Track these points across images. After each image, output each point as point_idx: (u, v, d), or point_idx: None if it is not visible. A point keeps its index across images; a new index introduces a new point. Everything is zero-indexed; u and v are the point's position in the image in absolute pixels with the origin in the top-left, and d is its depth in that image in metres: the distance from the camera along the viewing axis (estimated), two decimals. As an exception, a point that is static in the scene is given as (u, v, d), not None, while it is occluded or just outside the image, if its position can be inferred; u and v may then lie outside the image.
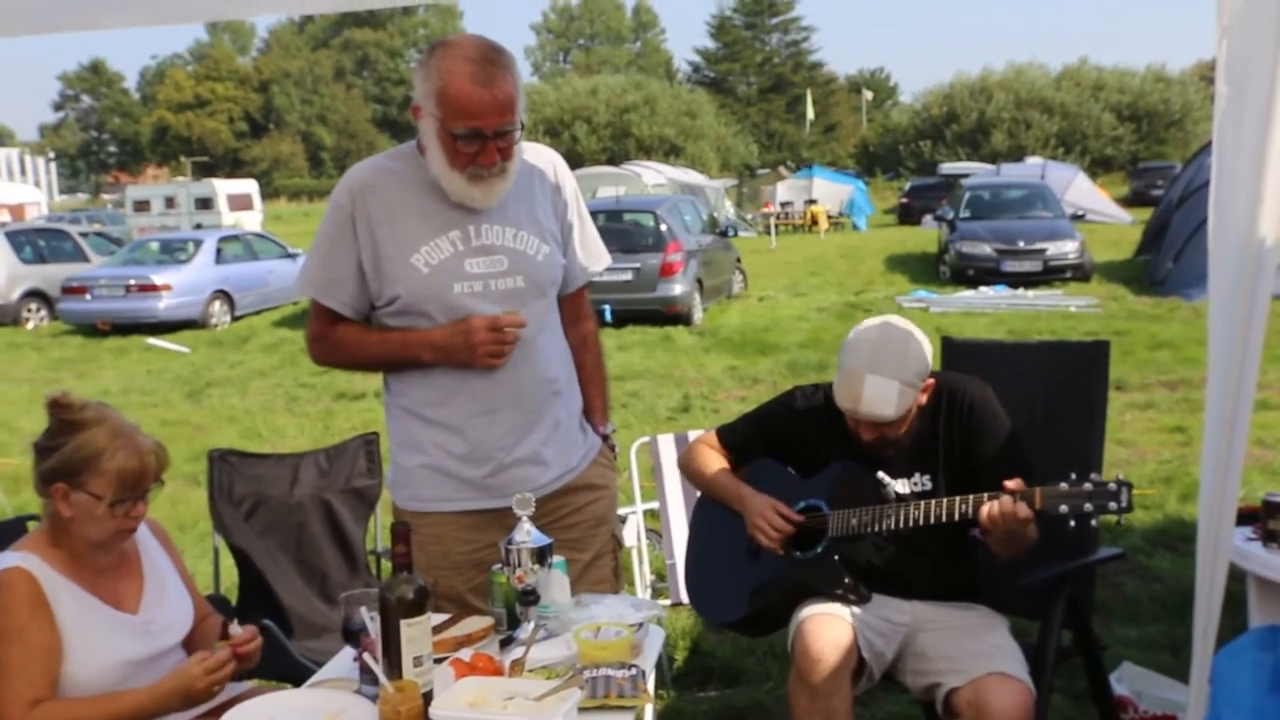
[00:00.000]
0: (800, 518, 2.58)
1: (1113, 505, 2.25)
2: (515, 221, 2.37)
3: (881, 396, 2.41)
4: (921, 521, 2.43)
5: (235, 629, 2.14)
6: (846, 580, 2.53)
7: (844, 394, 2.46)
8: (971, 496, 2.38)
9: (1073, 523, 2.28)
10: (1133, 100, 48.39)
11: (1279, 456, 6.26)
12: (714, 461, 2.79)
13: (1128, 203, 28.57)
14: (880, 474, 2.57)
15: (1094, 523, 2.33)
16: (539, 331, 2.39)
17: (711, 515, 2.84)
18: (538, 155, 2.49)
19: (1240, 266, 2.13)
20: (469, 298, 2.31)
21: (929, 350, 2.50)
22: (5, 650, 2.00)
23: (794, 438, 2.70)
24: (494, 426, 2.36)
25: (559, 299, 2.52)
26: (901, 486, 2.57)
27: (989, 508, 2.33)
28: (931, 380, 2.52)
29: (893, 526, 2.47)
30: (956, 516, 2.40)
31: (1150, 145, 47.27)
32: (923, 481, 2.56)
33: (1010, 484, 2.34)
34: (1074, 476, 2.29)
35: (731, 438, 2.81)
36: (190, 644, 2.28)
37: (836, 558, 2.54)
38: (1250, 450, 6.23)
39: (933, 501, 2.44)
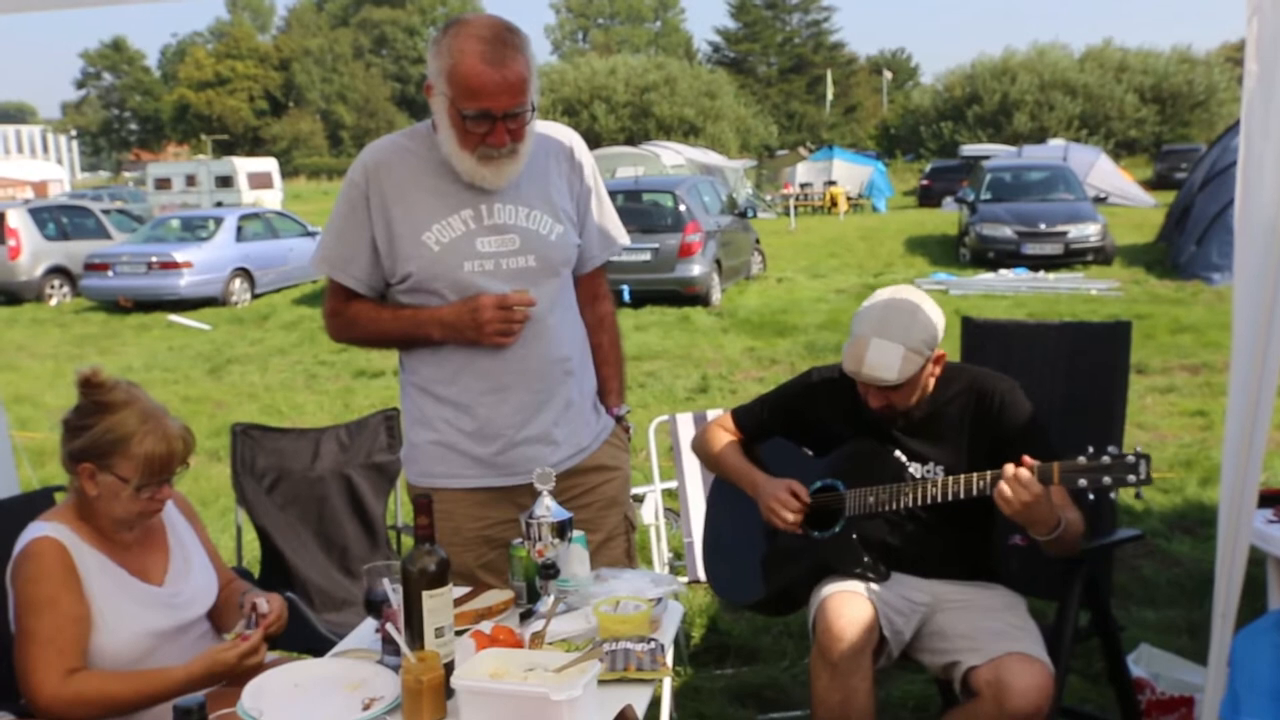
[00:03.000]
0: (808, 500, 2.58)
1: (1131, 477, 2.23)
2: (528, 201, 2.37)
3: (884, 361, 2.41)
4: (939, 498, 2.43)
5: (263, 606, 2.17)
6: (865, 559, 2.53)
7: (849, 356, 2.47)
8: (989, 472, 2.37)
9: (1092, 496, 2.27)
10: (1157, 82, 47.88)
11: (1301, 441, 6.22)
12: (728, 444, 2.79)
13: (1152, 185, 28.26)
14: (896, 452, 2.57)
15: (1113, 496, 2.30)
16: (550, 311, 2.39)
17: (729, 496, 2.85)
18: (556, 134, 2.49)
19: (1266, 248, 2.12)
20: (479, 276, 2.31)
21: (939, 321, 2.50)
22: (37, 619, 2.03)
23: (810, 417, 2.70)
24: (502, 405, 2.36)
25: (576, 279, 2.52)
26: (915, 470, 2.56)
27: (1000, 488, 2.31)
28: (942, 352, 2.52)
29: (910, 503, 2.47)
30: (975, 492, 2.39)
31: (1174, 127, 46.79)
32: (936, 471, 2.54)
33: (1027, 460, 2.32)
34: (1091, 450, 2.27)
35: (746, 419, 2.81)
36: (215, 614, 2.31)
37: (855, 536, 2.55)
38: (1274, 434, 6.18)
39: (949, 478, 2.44)
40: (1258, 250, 2.12)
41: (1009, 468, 2.31)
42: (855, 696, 2.38)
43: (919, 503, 2.47)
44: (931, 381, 2.55)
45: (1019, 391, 2.56)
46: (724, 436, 2.81)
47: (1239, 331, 2.24)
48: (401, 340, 2.43)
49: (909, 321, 2.44)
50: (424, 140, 2.36)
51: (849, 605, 2.42)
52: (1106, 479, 2.24)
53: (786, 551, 2.65)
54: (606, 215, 2.57)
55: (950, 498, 2.43)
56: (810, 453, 2.73)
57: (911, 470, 2.56)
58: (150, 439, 2.10)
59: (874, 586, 2.50)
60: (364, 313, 2.42)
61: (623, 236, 2.62)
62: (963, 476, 2.42)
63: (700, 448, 2.88)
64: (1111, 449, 2.26)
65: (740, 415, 2.83)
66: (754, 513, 2.70)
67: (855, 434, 2.62)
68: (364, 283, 2.39)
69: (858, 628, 2.38)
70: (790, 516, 2.57)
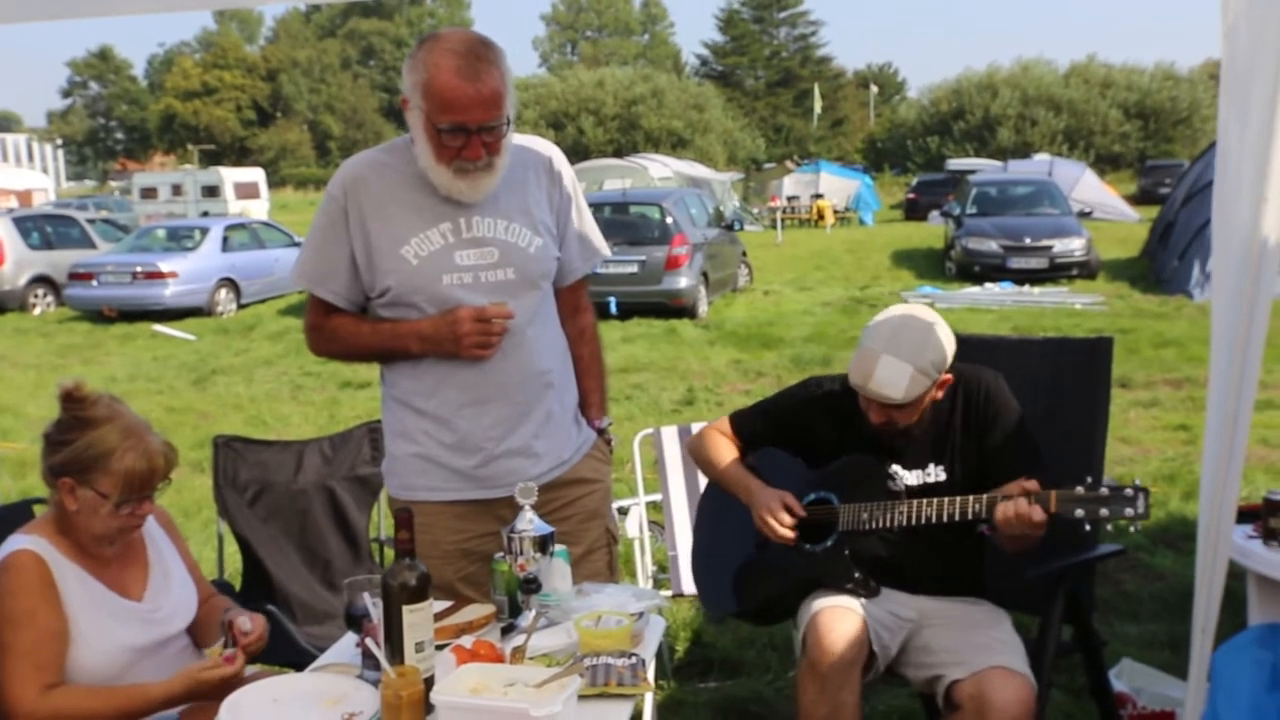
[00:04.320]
0: (803, 513, 2.57)
1: (1129, 511, 2.24)
2: (507, 214, 2.37)
3: (892, 379, 2.40)
4: (934, 519, 2.43)
5: (245, 625, 2.15)
6: (857, 575, 2.53)
7: (856, 370, 2.45)
8: (985, 496, 2.38)
9: (1088, 526, 2.28)
10: (1140, 98, 48.23)
11: (1282, 456, 6.26)
12: (724, 450, 2.76)
13: (1136, 200, 28.43)
14: (893, 466, 2.57)
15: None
16: (530, 323, 2.39)
17: (721, 503, 2.83)
18: (535, 147, 2.49)
19: (1243, 265, 2.14)
20: (458, 289, 2.31)
21: (950, 345, 2.48)
22: (15, 634, 2.01)
23: (808, 428, 2.68)
24: (482, 417, 2.36)
25: (557, 291, 2.52)
26: (914, 478, 2.56)
27: (1003, 508, 2.32)
28: (949, 376, 2.50)
29: (905, 522, 2.47)
30: (970, 515, 2.39)
31: (1158, 143, 47.13)
32: (936, 472, 2.55)
33: (1027, 484, 2.32)
34: (1090, 480, 2.27)
35: (744, 426, 2.78)
36: (195, 629, 2.30)
37: (847, 552, 2.55)
38: (1254, 449, 6.23)
39: (945, 499, 2.43)
40: (1234, 267, 2.14)
41: (1010, 505, 2.31)
42: (843, 711, 2.38)
43: (913, 522, 2.46)
44: (931, 402, 2.54)
45: (1001, 381, 2.58)
46: (721, 442, 2.78)
47: (1217, 347, 2.25)
48: (381, 354, 2.43)
49: (922, 342, 2.42)
50: (402, 154, 2.36)
51: (840, 620, 2.42)
52: (1104, 511, 2.25)
53: (776, 562, 2.65)
54: (587, 227, 2.57)
55: (945, 519, 2.43)
56: (804, 463, 2.72)
57: (910, 479, 2.55)
58: (131, 455, 2.08)
59: (863, 601, 2.50)
60: (344, 327, 2.42)
61: (604, 249, 2.62)
62: (959, 499, 2.41)
63: (696, 451, 2.85)
64: (1109, 481, 2.29)
65: (737, 421, 2.80)
66: (745, 521, 2.68)
67: (851, 447, 2.60)
68: (343, 297, 2.39)
69: (848, 642, 2.38)
70: (784, 531, 2.57)
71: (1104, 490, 2.26)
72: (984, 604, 2.60)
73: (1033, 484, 2.33)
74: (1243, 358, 2.16)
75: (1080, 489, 2.27)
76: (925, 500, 2.45)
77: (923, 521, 2.45)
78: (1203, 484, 2.37)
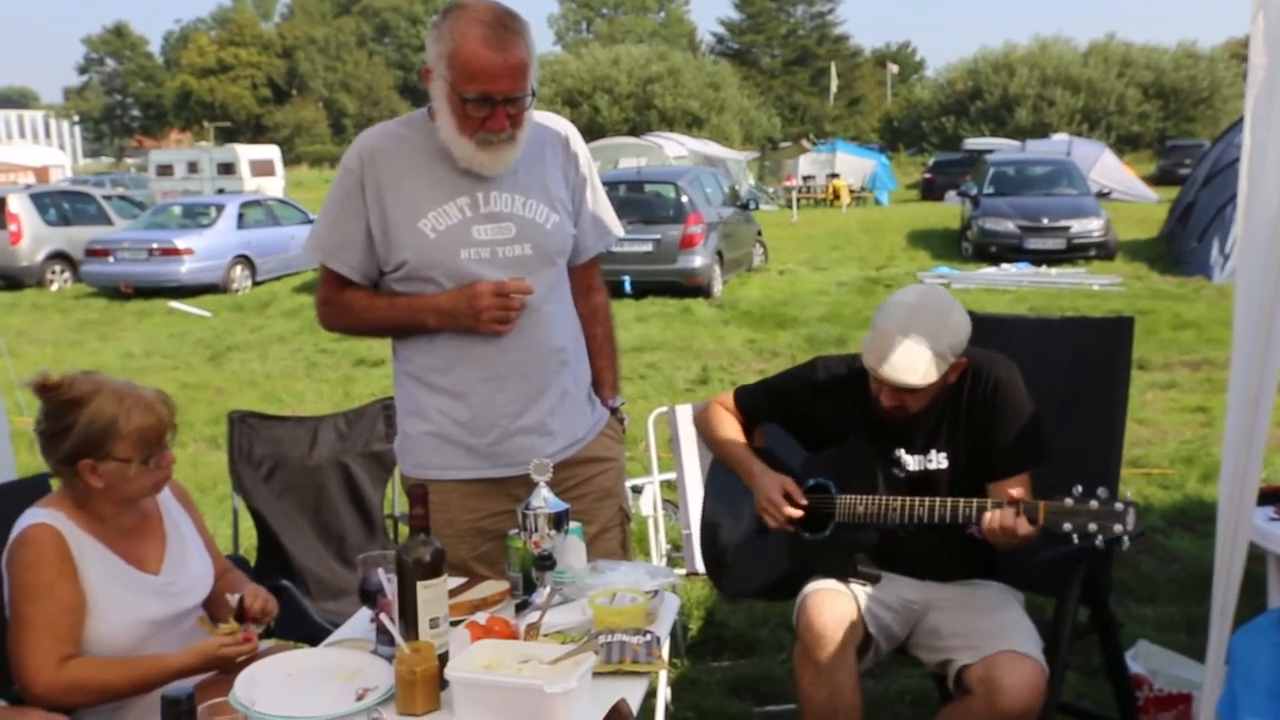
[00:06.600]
0: (805, 502, 2.55)
1: (1118, 527, 2.19)
2: (525, 189, 2.36)
3: (909, 362, 2.33)
4: (925, 520, 2.40)
5: (232, 598, 2.17)
6: (856, 567, 2.51)
7: (871, 352, 2.38)
8: (975, 501, 2.35)
9: (1076, 539, 2.23)
10: (1160, 77, 47.74)
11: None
12: (730, 427, 2.73)
13: (1155, 181, 28.20)
14: (896, 451, 2.53)
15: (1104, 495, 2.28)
16: (546, 300, 2.38)
17: (726, 483, 2.81)
18: (552, 124, 2.48)
19: (1269, 243, 2.10)
20: (476, 264, 2.30)
21: (967, 327, 2.41)
22: (33, 606, 2.03)
23: (811, 410, 2.65)
24: (498, 394, 2.36)
25: (570, 270, 2.51)
26: (915, 463, 2.53)
27: (989, 519, 2.29)
28: (964, 360, 2.44)
29: (898, 520, 2.43)
30: (960, 519, 2.36)
31: (1179, 123, 46.69)
32: (938, 459, 2.52)
33: (1014, 493, 2.29)
34: (1079, 490, 2.23)
35: (748, 402, 2.76)
36: (211, 603, 2.31)
37: (844, 542, 2.53)
38: (1276, 432, 6.16)
39: (938, 501, 2.39)
40: (1260, 245, 2.10)
41: (996, 515, 2.28)
42: (841, 692, 2.38)
43: (906, 521, 2.42)
44: (943, 386, 2.48)
45: (1014, 371, 2.50)
46: (725, 417, 2.75)
47: (1240, 327, 2.22)
48: (396, 328, 2.42)
49: (939, 324, 2.36)
50: (420, 127, 2.35)
51: (830, 602, 2.42)
52: (1091, 526, 2.20)
53: (779, 546, 2.63)
54: (601, 206, 2.55)
55: (936, 521, 2.39)
56: (805, 445, 2.69)
57: (911, 464, 2.53)
58: (135, 413, 2.09)
59: (863, 585, 2.49)
60: (358, 301, 2.40)
61: (617, 228, 2.61)
62: (949, 502, 2.38)
63: (702, 425, 2.83)
64: (1100, 492, 2.21)
65: (741, 396, 2.77)
66: (749, 502, 2.67)
67: (854, 430, 2.57)
68: (358, 270, 2.37)
69: (839, 624, 2.38)
70: (783, 519, 2.54)
71: (1093, 504, 2.21)
72: (994, 585, 2.58)
73: (1020, 492, 2.30)
74: (1266, 337, 2.13)
75: (1070, 500, 2.23)
76: (919, 500, 2.41)
77: (915, 521, 2.41)
78: (1223, 465, 2.34)
